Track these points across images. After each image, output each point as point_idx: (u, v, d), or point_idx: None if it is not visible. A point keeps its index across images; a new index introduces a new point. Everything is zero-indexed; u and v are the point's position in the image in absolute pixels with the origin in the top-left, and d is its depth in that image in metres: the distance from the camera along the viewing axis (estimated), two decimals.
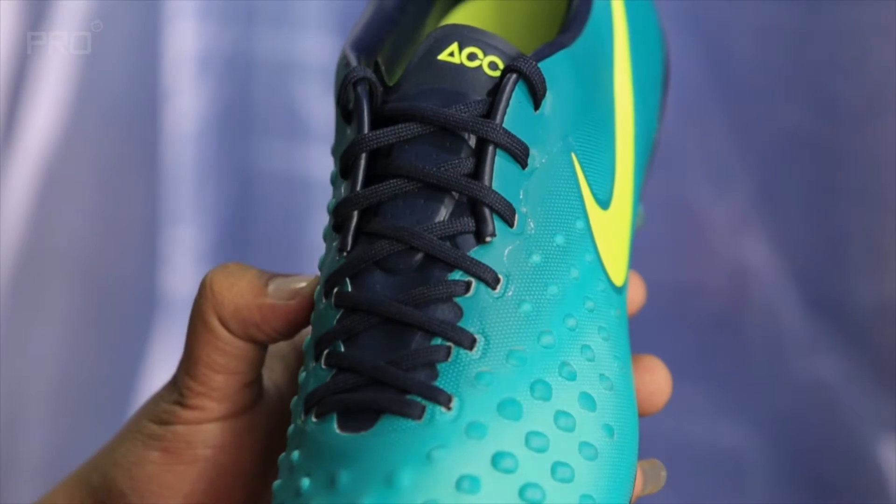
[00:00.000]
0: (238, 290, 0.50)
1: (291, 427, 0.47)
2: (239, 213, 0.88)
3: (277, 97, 0.87)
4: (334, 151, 0.50)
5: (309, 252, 0.86)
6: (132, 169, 0.89)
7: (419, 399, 0.45)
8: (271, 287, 0.50)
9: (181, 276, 0.87)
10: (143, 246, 0.89)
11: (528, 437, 0.44)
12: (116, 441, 0.53)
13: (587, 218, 0.49)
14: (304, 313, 0.50)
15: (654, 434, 0.78)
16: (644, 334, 0.76)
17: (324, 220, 0.89)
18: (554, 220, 0.48)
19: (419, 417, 0.44)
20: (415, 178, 0.47)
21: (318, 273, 0.50)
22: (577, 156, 0.50)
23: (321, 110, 0.86)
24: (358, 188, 0.47)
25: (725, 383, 0.78)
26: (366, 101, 0.48)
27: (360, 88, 0.48)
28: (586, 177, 0.50)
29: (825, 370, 0.76)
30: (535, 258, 0.47)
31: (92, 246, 0.90)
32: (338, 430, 0.45)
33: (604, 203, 0.50)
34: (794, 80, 0.75)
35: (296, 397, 0.48)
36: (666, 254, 0.78)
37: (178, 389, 0.51)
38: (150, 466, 0.51)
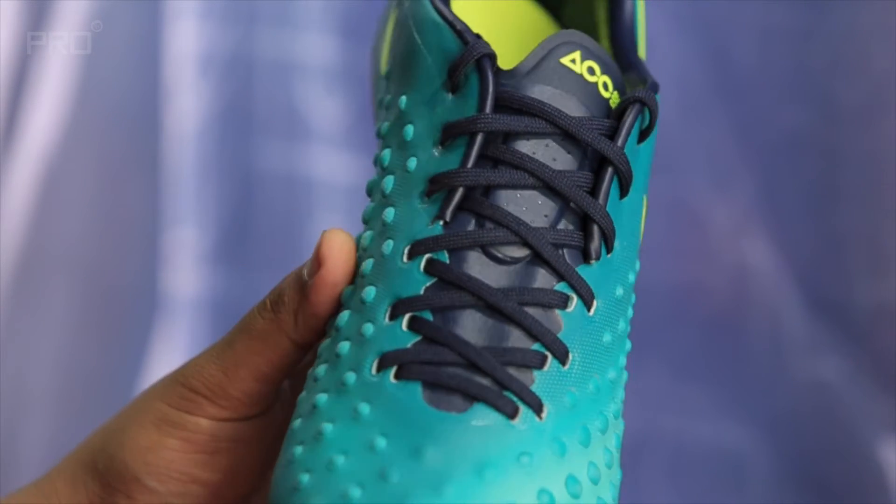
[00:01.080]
0: (290, 298, 0.49)
1: (351, 374, 0.46)
2: (240, 213, 0.88)
3: (278, 97, 0.87)
4: (409, 109, 0.49)
5: (309, 251, 0.86)
6: (133, 169, 0.89)
7: (515, 398, 0.45)
8: (304, 271, 0.50)
9: (182, 276, 0.87)
10: (144, 246, 0.89)
11: (590, 466, 0.45)
12: (122, 422, 0.52)
13: (639, 259, 0.50)
14: (341, 272, 0.49)
15: (654, 434, 0.78)
16: (644, 334, 0.76)
17: (324, 219, 0.89)
18: (630, 256, 0.49)
19: (513, 417, 0.45)
20: (537, 177, 0.47)
21: (327, 230, 0.49)
22: (646, 198, 0.51)
23: (322, 110, 0.86)
24: (469, 164, 0.47)
25: (726, 383, 0.78)
26: (492, 81, 0.47)
27: (485, 65, 0.48)
28: (645, 219, 0.51)
29: (825, 370, 0.76)
30: (619, 291, 0.48)
31: (93, 246, 0.90)
32: (425, 402, 0.45)
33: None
34: (795, 81, 0.75)
35: (346, 343, 0.47)
36: (666, 254, 0.78)
37: (205, 383, 0.51)
38: (168, 452, 0.51)
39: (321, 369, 0.48)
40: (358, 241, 0.49)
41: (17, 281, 0.90)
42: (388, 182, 0.49)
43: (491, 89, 0.47)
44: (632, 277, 0.49)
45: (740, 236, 0.77)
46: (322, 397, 0.47)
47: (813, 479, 0.77)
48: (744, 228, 0.77)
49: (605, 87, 0.48)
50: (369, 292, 0.47)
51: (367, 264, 0.48)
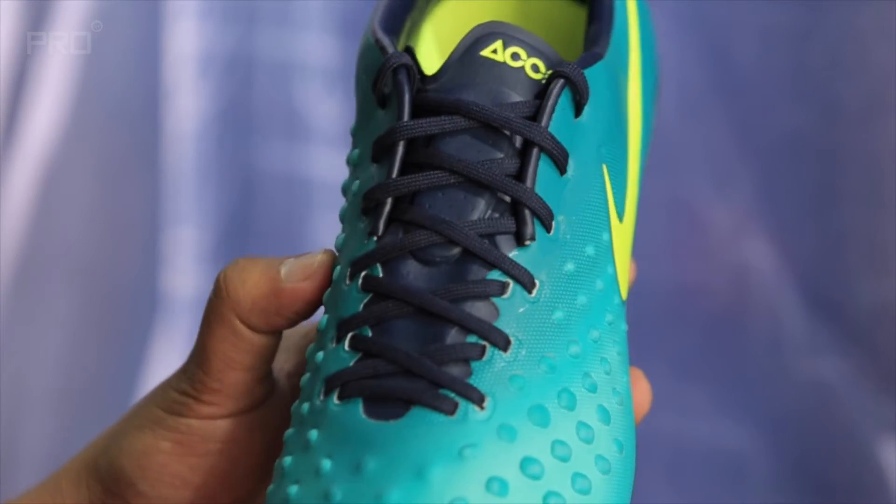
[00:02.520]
0: (253, 283, 0.49)
1: (306, 405, 0.47)
2: (240, 212, 0.88)
3: (278, 97, 0.87)
4: (356, 132, 0.50)
5: (310, 251, 0.86)
6: (133, 169, 0.89)
7: (452, 395, 0.44)
8: (283, 271, 0.50)
9: (182, 276, 0.87)
10: (143, 246, 0.89)
11: (554, 445, 0.44)
12: (124, 427, 0.53)
13: (610, 230, 0.50)
14: (320, 292, 0.49)
15: (654, 434, 0.78)
16: (645, 334, 0.76)
17: (324, 219, 0.89)
18: (586, 229, 0.48)
19: (452, 413, 0.44)
20: (457, 173, 0.47)
21: (326, 249, 0.50)
22: (607, 167, 0.50)
23: (322, 110, 0.86)
24: (394, 175, 0.47)
25: (726, 383, 0.78)
26: (407, 89, 0.47)
27: (400, 75, 0.48)
28: (612, 189, 0.50)
29: (825, 370, 0.76)
30: (569, 266, 0.48)
31: (93, 246, 0.90)
32: (364, 416, 0.45)
33: (620, 216, 0.51)
34: (795, 81, 0.75)
35: (307, 375, 0.48)
36: (666, 254, 0.78)
37: (190, 382, 0.51)
38: (161, 456, 0.51)
39: (294, 405, 0.48)
40: None
41: (17, 281, 0.90)
42: (343, 209, 0.50)
43: (406, 97, 0.47)
44: (591, 250, 0.48)
45: (740, 236, 0.77)
46: (289, 432, 0.47)
47: (813, 479, 0.77)
48: (744, 228, 0.77)
49: (535, 69, 0.48)
50: (322, 321, 0.48)
51: (326, 294, 0.49)
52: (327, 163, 0.86)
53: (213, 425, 0.51)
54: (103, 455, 0.52)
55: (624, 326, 0.50)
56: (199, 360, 0.51)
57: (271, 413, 0.52)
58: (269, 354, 0.51)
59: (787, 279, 0.76)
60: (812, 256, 0.76)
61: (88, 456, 0.53)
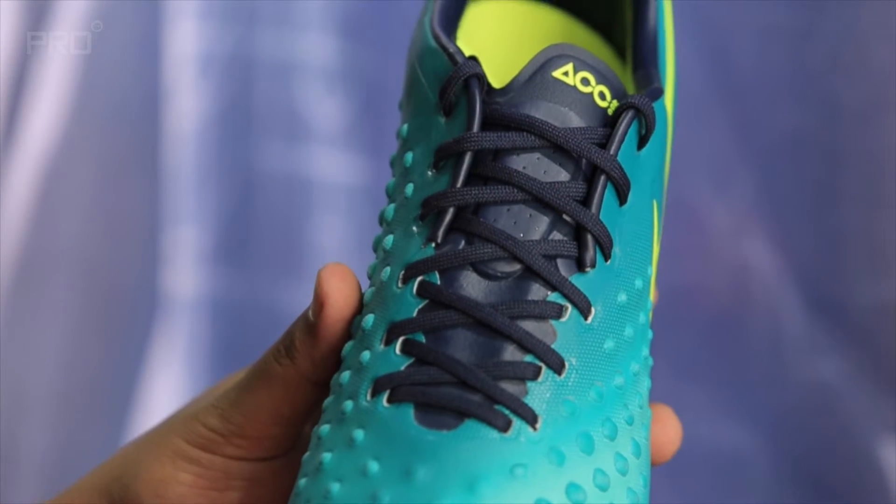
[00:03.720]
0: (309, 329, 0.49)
1: (349, 403, 0.46)
2: (240, 213, 0.88)
3: (278, 97, 0.87)
4: (410, 136, 0.50)
5: (309, 251, 0.86)
6: (133, 169, 0.90)
7: (507, 412, 0.45)
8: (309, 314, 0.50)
9: (182, 276, 0.87)
10: (144, 246, 0.89)
11: (596, 473, 0.45)
12: (139, 452, 0.52)
13: (653, 265, 0.50)
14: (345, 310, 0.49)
15: None
16: None
17: (324, 219, 0.89)
18: (637, 262, 0.49)
19: (505, 430, 0.44)
20: (526, 190, 0.47)
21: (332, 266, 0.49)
22: (656, 203, 0.50)
23: (322, 110, 0.86)
24: (458, 184, 0.47)
25: (726, 383, 0.78)
26: (479, 100, 0.47)
27: (473, 86, 0.48)
28: (658, 224, 0.51)
29: (825, 370, 0.76)
30: (622, 297, 0.48)
31: (93, 246, 0.90)
32: (416, 422, 0.45)
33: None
34: (795, 81, 0.75)
35: (346, 373, 0.47)
36: (666, 254, 0.78)
37: (224, 423, 0.50)
38: (181, 488, 0.50)
39: (328, 401, 0.48)
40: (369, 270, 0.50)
41: (17, 281, 0.90)
42: (390, 210, 0.49)
43: (478, 108, 0.47)
44: (640, 283, 0.49)
45: (740, 236, 0.77)
46: (325, 428, 0.47)
47: (813, 479, 0.77)
48: (744, 228, 0.77)
49: (602, 96, 0.48)
50: (368, 320, 0.48)
51: (369, 293, 0.49)
52: (327, 163, 0.86)
53: (238, 465, 0.51)
54: (117, 481, 0.52)
55: (651, 360, 0.50)
56: (243, 408, 0.50)
57: (297, 458, 0.51)
58: (314, 408, 0.51)
59: (787, 279, 0.76)
60: (812, 256, 0.76)
61: (100, 481, 0.53)
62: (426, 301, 0.47)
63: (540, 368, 0.46)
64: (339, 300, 0.49)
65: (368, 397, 0.46)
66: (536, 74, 0.48)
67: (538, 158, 0.47)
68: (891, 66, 0.72)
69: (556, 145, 0.47)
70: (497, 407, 0.45)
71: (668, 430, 0.51)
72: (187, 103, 0.87)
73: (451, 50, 0.50)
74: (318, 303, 0.49)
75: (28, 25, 0.89)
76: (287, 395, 0.50)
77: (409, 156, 0.50)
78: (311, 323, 0.49)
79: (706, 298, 0.78)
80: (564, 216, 0.47)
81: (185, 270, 0.87)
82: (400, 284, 0.47)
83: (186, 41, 0.87)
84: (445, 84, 0.48)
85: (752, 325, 0.77)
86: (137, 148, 0.89)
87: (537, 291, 0.46)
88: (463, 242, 0.47)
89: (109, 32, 0.88)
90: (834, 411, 0.76)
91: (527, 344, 0.46)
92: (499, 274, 0.46)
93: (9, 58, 0.89)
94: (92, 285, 0.90)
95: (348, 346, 0.48)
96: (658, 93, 0.50)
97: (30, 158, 0.89)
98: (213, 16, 0.87)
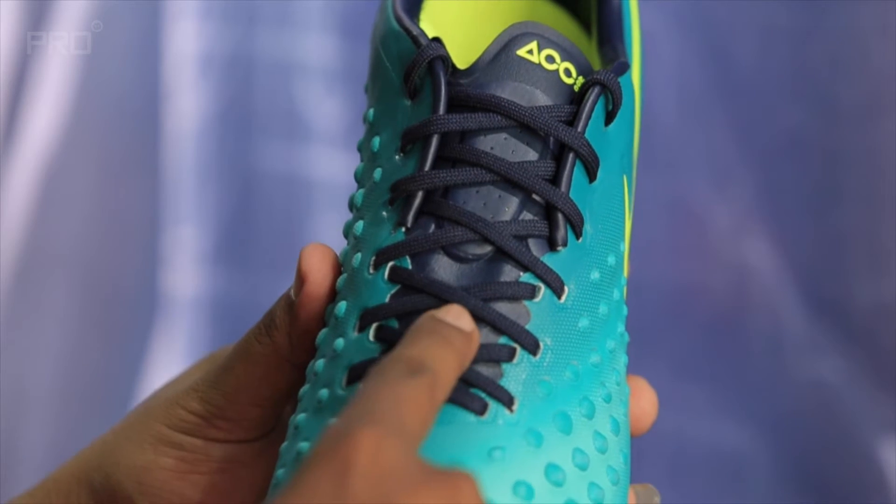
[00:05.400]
0: (289, 308, 0.49)
1: (324, 391, 0.46)
2: (240, 212, 0.88)
3: (278, 97, 0.87)
4: (376, 121, 0.50)
5: None
6: (133, 169, 0.90)
7: (483, 395, 0.44)
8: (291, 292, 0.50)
9: (182, 276, 0.87)
10: (143, 246, 0.89)
11: (574, 453, 0.45)
12: (118, 439, 0.52)
13: (625, 241, 0.50)
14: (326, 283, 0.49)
15: (654, 434, 0.78)
16: (645, 334, 0.76)
17: (324, 219, 0.89)
18: (609, 239, 0.48)
19: (482, 413, 0.44)
20: (494, 171, 0.47)
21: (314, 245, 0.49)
22: (626, 178, 0.50)
23: (322, 110, 0.86)
24: (426, 168, 0.47)
25: (726, 383, 0.78)
26: (444, 82, 0.47)
27: (437, 67, 0.47)
28: (629, 199, 0.50)
29: (825, 370, 0.76)
30: (595, 275, 0.48)
31: (93, 246, 0.90)
32: None
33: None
34: (795, 81, 0.75)
35: (320, 361, 0.47)
36: (666, 254, 0.78)
37: (205, 406, 0.50)
38: (162, 473, 0.50)
39: (304, 389, 0.48)
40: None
41: (17, 281, 0.90)
42: (359, 196, 0.49)
43: (443, 90, 0.47)
44: (612, 259, 0.48)
45: (740, 236, 0.77)
46: (301, 417, 0.47)
47: (813, 479, 0.77)
48: (744, 228, 0.77)
49: (568, 73, 0.48)
50: (340, 308, 0.47)
51: (341, 280, 0.48)
52: (327, 163, 0.86)
53: (219, 447, 0.50)
54: (97, 470, 0.52)
55: (627, 336, 0.50)
56: (224, 390, 0.50)
57: (279, 439, 0.51)
58: (294, 389, 0.50)
59: (787, 279, 0.76)
60: (812, 256, 0.76)
61: (79, 469, 0.53)
62: (398, 286, 0.46)
63: (515, 350, 0.45)
64: (319, 278, 0.48)
65: (344, 385, 0.46)
66: (501, 54, 0.48)
67: (505, 138, 0.47)
68: (891, 66, 0.72)
69: (523, 124, 0.47)
70: (473, 390, 0.44)
71: (644, 403, 0.51)
72: (187, 103, 0.87)
73: (415, 32, 0.49)
74: (299, 281, 0.49)
75: (28, 25, 0.89)
76: (267, 375, 0.50)
77: (377, 140, 0.49)
78: (291, 301, 0.49)
79: (706, 298, 0.78)
80: (534, 196, 0.47)
81: (185, 270, 0.87)
82: (371, 270, 0.47)
83: (186, 41, 0.87)
84: (409, 67, 0.48)
85: (752, 325, 0.77)
86: (137, 148, 0.89)
87: (509, 272, 0.46)
88: (433, 226, 0.47)
89: (109, 32, 0.88)
90: (834, 411, 0.76)
91: (500, 326, 0.45)
92: (470, 256, 0.46)
93: (9, 58, 0.89)
94: (92, 285, 0.90)
95: (322, 333, 0.48)
96: (624, 67, 0.50)
97: (30, 158, 0.89)
98: (213, 16, 0.87)
